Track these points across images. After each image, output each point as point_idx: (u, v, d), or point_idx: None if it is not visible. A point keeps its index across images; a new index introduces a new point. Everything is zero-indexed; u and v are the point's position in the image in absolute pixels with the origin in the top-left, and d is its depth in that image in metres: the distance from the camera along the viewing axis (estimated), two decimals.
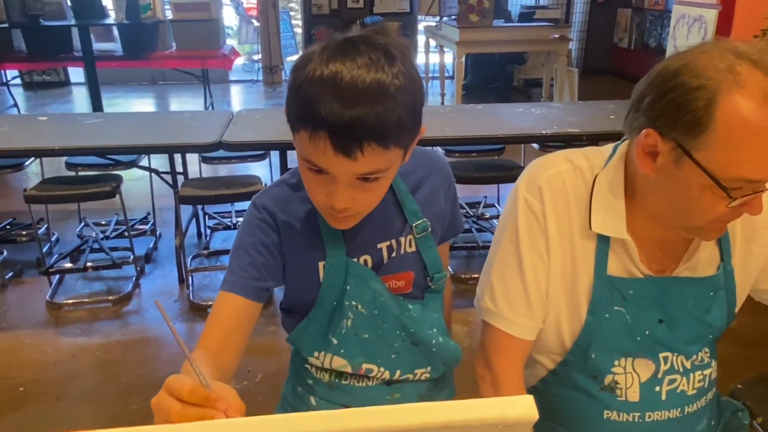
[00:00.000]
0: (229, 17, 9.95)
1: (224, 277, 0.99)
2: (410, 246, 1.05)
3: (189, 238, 3.69)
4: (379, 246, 1.03)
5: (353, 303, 1.02)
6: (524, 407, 0.41)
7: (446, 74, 7.94)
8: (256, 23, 9.15)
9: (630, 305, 1.02)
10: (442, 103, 7.45)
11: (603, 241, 1.01)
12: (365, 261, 1.02)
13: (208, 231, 3.81)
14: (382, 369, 1.06)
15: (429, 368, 1.10)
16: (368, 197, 0.90)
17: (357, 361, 1.05)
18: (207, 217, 3.88)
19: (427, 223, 1.05)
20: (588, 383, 1.06)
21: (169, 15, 6.38)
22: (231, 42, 8.39)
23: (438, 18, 7.66)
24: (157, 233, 3.74)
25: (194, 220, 3.77)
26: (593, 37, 8.91)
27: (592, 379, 1.05)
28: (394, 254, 1.04)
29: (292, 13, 9.59)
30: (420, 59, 8.67)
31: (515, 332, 1.05)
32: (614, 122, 3.16)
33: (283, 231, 1.01)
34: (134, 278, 3.25)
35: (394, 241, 1.03)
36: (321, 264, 1.01)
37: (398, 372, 1.07)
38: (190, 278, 3.25)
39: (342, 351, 1.05)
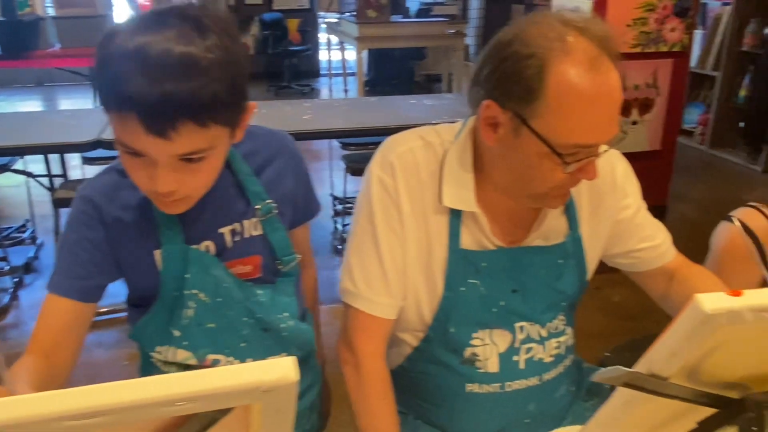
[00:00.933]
0: (124, 12, 9.50)
1: (50, 277, 0.93)
2: (255, 229, 1.02)
3: None
4: (220, 231, 0.99)
5: (194, 292, 0.97)
6: (283, 369, 0.39)
7: (349, 70, 7.94)
8: None
9: (484, 277, 1.03)
10: (355, 96, 7.44)
11: (455, 215, 1.01)
12: (207, 247, 0.98)
13: None
14: (231, 359, 1.02)
15: (284, 354, 1.07)
16: (196, 179, 0.85)
17: (201, 352, 1.01)
18: None
19: (271, 205, 1.01)
20: (449, 357, 1.07)
21: (51, 11, 6.02)
22: None
23: (338, 14, 7.66)
24: (38, 242, 3.51)
25: None
26: (489, 33, 9.04)
27: (453, 353, 1.06)
28: (238, 238, 1.00)
29: None
30: (322, 56, 8.66)
31: (375, 311, 1.04)
32: None
33: (111, 223, 0.95)
34: (11, 290, 3.03)
35: (237, 225, 1.00)
36: (157, 253, 0.96)
37: (249, 360, 1.04)
38: None
39: (185, 343, 1.00)
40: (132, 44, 0.75)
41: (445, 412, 1.11)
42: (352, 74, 8.13)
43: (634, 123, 3.61)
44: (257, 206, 1.01)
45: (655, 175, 3.70)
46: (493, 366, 1.06)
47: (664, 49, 3.50)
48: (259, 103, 3.96)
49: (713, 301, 0.47)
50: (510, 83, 0.87)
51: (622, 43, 3.48)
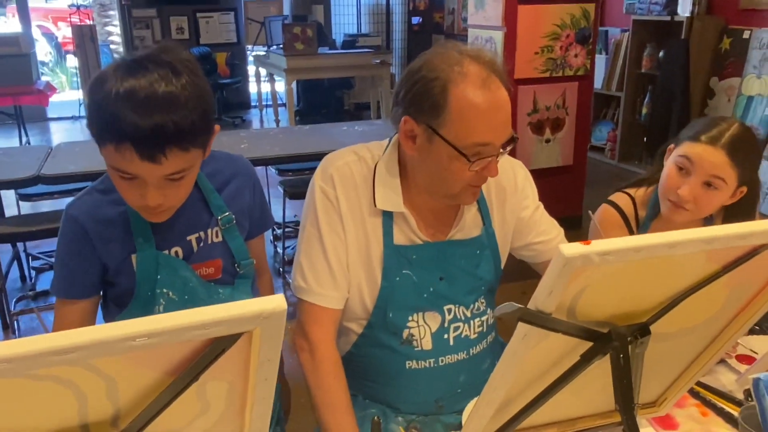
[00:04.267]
0: (43, 52, 9.36)
1: (55, 286, 1.08)
2: (217, 236, 1.19)
3: (12, 282, 3.47)
4: (188, 238, 1.15)
5: (164, 290, 1.13)
6: (277, 301, 0.56)
7: (279, 101, 8.10)
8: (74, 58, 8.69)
9: (415, 268, 1.22)
10: (289, 126, 7.57)
11: (387, 216, 1.20)
12: (176, 252, 1.14)
13: (33, 273, 3.60)
14: None
15: None
16: (178, 192, 1.03)
17: None
18: (31, 258, 3.67)
19: (231, 216, 1.19)
20: (391, 340, 1.24)
21: None
22: (47, 78, 7.92)
23: (266, 47, 7.83)
24: None
25: (16, 262, 3.55)
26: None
27: (393, 336, 1.24)
28: (202, 244, 1.17)
29: (113, 47, 9.24)
30: (252, 88, 8.79)
31: (324, 303, 1.21)
32: None
33: (95, 236, 1.11)
34: None
35: (202, 233, 1.16)
36: (133, 257, 1.11)
37: None
38: (15, 322, 3.07)
39: None
40: (122, 88, 0.92)
41: (390, 389, 1.28)
42: (283, 105, 8.30)
43: (548, 141, 3.94)
44: (219, 217, 1.17)
45: (569, 188, 4.04)
46: (427, 344, 1.24)
47: (570, 73, 3.86)
48: None
49: (571, 248, 0.66)
50: (421, 101, 1.09)
51: (533, 69, 3.84)
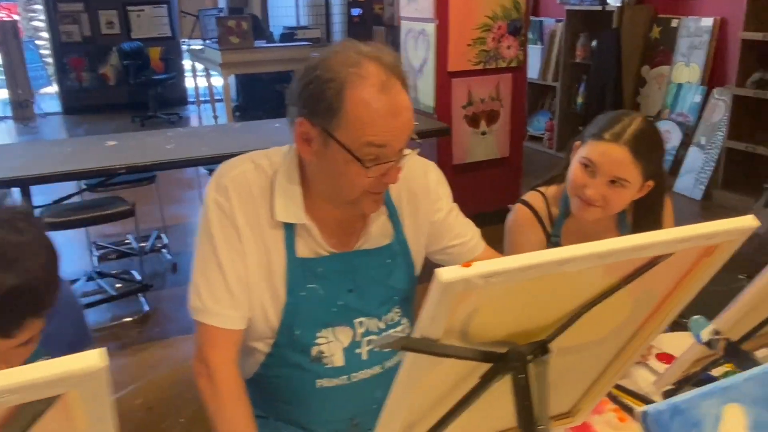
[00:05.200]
0: None
1: None
2: None
3: None
4: None
5: None
6: (92, 359, 0.48)
7: (218, 97, 7.89)
8: None
9: (322, 281, 1.15)
10: (226, 123, 7.37)
11: (289, 228, 1.13)
12: None
13: None
14: None
15: None
16: None
17: None
18: None
19: None
20: (299, 358, 1.17)
21: None
22: None
23: (202, 41, 7.61)
24: None
25: None
26: None
27: (301, 354, 1.17)
28: None
29: (40, 42, 8.81)
30: (189, 83, 8.54)
31: (223, 324, 1.12)
32: None
33: None
34: None
35: None
36: None
37: None
38: None
39: None
40: None
41: (302, 409, 1.20)
42: (221, 100, 8.09)
43: (483, 133, 3.93)
44: None
45: (506, 179, 4.05)
46: (338, 360, 1.18)
47: (503, 65, 3.85)
48: (119, 136, 3.88)
49: (448, 273, 0.60)
50: (315, 102, 1.02)
51: (466, 62, 3.81)
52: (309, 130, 1.05)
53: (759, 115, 4.35)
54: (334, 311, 1.16)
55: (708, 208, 4.44)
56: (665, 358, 1.33)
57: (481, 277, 0.62)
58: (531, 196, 1.54)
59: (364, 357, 1.20)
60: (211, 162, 3.29)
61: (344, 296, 1.17)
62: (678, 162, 4.73)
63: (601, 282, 0.75)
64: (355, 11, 9.55)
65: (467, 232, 1.31)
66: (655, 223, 1.46)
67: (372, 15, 9.53)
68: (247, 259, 1.12)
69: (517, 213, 1.53)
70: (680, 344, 1.37)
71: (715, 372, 1.23)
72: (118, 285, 3.34)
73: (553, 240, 1.51)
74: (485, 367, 0.78)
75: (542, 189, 1.54)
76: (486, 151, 3.96)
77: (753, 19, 4.13)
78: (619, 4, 4.92)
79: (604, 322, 0.85)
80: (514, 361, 0.77)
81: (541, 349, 0.79)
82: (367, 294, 1.19)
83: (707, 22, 4.65)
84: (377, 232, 1.19)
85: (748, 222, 0.72)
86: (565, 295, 0.75)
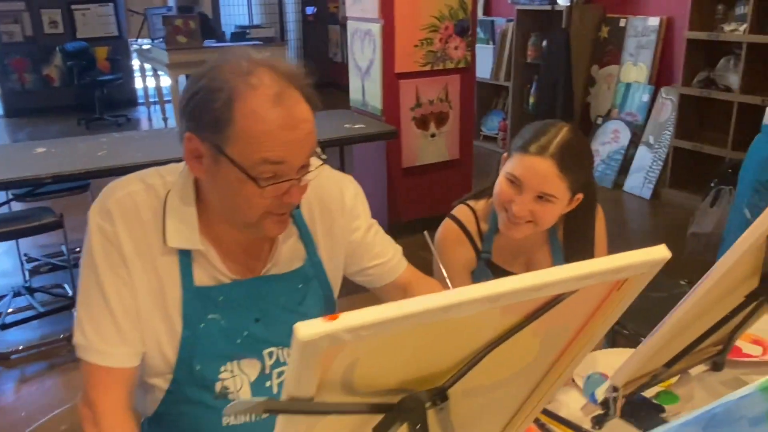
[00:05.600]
0: None
1: None
2: None
3: None
4: None
5: None
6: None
7: (168, 98, 7.66)
8: None
9: (224, 311, 1.05)
10: (165, 127, 7.17)
11: (184, 254, 1.02)
12: None
13: None
14: None
15: None
16: None
17: None
18: None
19: None
20: (202, 395, 1.07)
21: None
22: None
23: (150, 40, 7.38)
24: None
25: None
26: (310, 53, 9.31)
27: (204, 390, 1.07)
28: None
29: None
30: (137, 84, 8.28)
31: (110, 362, 1.01)
32: (342, 130, 3.41)
33: None
34: None
35: None
36: None
37: None
38: None
39: None
40: None
41: None
42: (169, 101, 7.87)
43: (433, 136, 3.86)
44: None
45: (458, 181, 3.99)
46: (245, 395, 1.08)
47: (451, 66, 3.79)
48: (50, 142, 3.69)
49: (308, 329, 0.52)
50: (202, 115, 0.93)
51: (413, 63, 3.74)
52: (198, 146, 0.95)
53: (705, 114, 4.40)
54: (238, 343, 1.07)
55: (656, 206, 4.47)
56: None
57: (347, 332, 0.53)
58: (460, 211, 1.47)
59: (275, 390, 1.11)
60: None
61: (250, 326, 1.07)
62: (627, 161, 4.75)
63: (501, 322, 0.67)
64: (310, 9, 9.41)
65: (388, 251, 1.23)
66: (586, 238, 1.41)
67: (327, 13, 9.40)
68: (137, 290, 1.01)
69: (445, 229, 1.46)
70: (615, 362, 1.31)
71: (648, 393, 1.18)
72: (47, 300, 3.17)
73: (483, 256, 1.44)
74: (378, 417, 0.70)
75: (471, 203, 1.47)
76: (436, 153, 3.90)
77: (697, 18, 4.16)
78: (568, 4, 4.92)
79: (513, 360, 0.78)
80: (409, 410, 0.69)
81: (440, 395, 0.71)
82: (276, 323, 1.10)
83: (654, 21, 4.68)
84: (287, 255, 1.10)
85: (659, 254, 0.66)
86: (461, 337, 0.67)
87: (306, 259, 1.13)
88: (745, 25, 3.91)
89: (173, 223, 1.01)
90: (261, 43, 6.90)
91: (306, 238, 1.13)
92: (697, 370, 1.25)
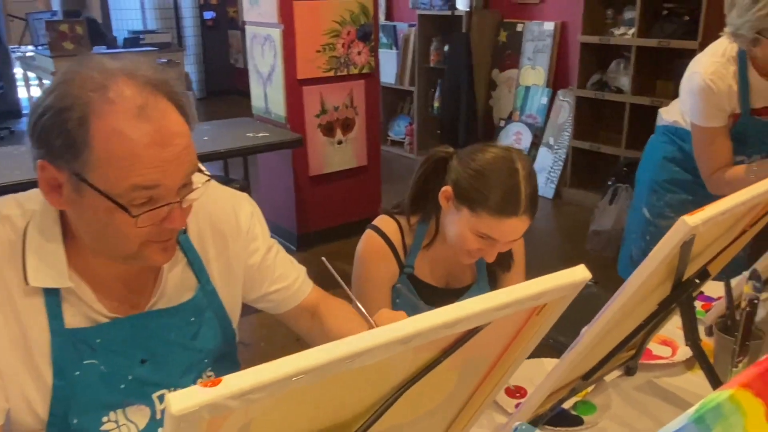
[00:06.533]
0: None
1: None
2: None
3: None
4: None
5: None
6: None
7: None
8: None
9: (102, 354, 0.92)
10: None
11: (52, 294, 0.89)
12: None
13: None
14: None
15: None
16: None
17: None
18: None
19: None
20: None
21: None
22: None
23: (33, 47, 6.86)
24: None
25: None
26: (210, 60, 9.01)
27: None
28: None
29: None
30: (21, 93, 7.69)
31: None
32: (245, 139, 3.33)
33: None
34: None
35: None
36: None
37: None
38: None
39: None
40: None
41: None
42: None
43: (340, 142, 3.78)
44: None
45: (367, 188, 3.93)
46: None
47: (355, 71, 3.73)
48: None
49: (183, 399, 0.43)
50: (52, 139, 0.80)
51: (316, 68, 3.64)
52: (55, 174, 0.82)
53: (600, 115, 4.57)
54: (122, 388, 0.94)
55: (559, 206, 4.61)
56: (512, 393, 1.23)
57: (233, 398, 0.44)
58: (384, 223, 1.39)
59: None
60: (24, 189, 2.88)
61: (135, 369, 0.95)
62: None
63: (414, 360, 0.60)
64: (208, 14, 9.09)
65: (290, 273, 1.13)
66: (507, 251, 1.39)
67: (227, 18, 9.12)
68: None
69: (369, 242, 1.37)
70: (531, 374, 1.28)
71: (566, 405, 1.15)
72: None
73: (406, 271, 1.38)
74: None
75: (397, 216, 1.39)
76: (343, 160, 3.82)
77: (589, 23, 4.31)
78: (467, 9, 4.98)
79: (431, 395, 0.71)
80: None
81: None
82: (166, 362, 0.98)
83: (549, 26, 4.83)
84: (175, 286, 0.99)
85: (578, 275, 0.61)
86: (371, 382, 0.59)
87: (198, 288, 1.01)
88: (633, 29, 4.09)
89: (33, 259, 0.87)
90: (157, 49, 6.60)
91: (196, 265, 1.01)
92: (611, 377, 1.25)
